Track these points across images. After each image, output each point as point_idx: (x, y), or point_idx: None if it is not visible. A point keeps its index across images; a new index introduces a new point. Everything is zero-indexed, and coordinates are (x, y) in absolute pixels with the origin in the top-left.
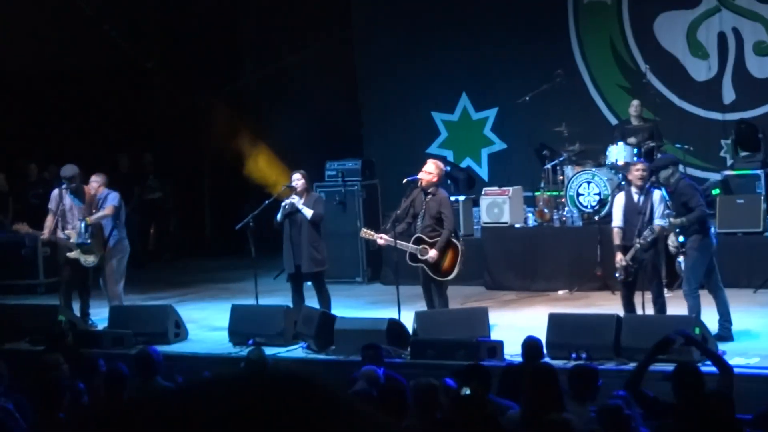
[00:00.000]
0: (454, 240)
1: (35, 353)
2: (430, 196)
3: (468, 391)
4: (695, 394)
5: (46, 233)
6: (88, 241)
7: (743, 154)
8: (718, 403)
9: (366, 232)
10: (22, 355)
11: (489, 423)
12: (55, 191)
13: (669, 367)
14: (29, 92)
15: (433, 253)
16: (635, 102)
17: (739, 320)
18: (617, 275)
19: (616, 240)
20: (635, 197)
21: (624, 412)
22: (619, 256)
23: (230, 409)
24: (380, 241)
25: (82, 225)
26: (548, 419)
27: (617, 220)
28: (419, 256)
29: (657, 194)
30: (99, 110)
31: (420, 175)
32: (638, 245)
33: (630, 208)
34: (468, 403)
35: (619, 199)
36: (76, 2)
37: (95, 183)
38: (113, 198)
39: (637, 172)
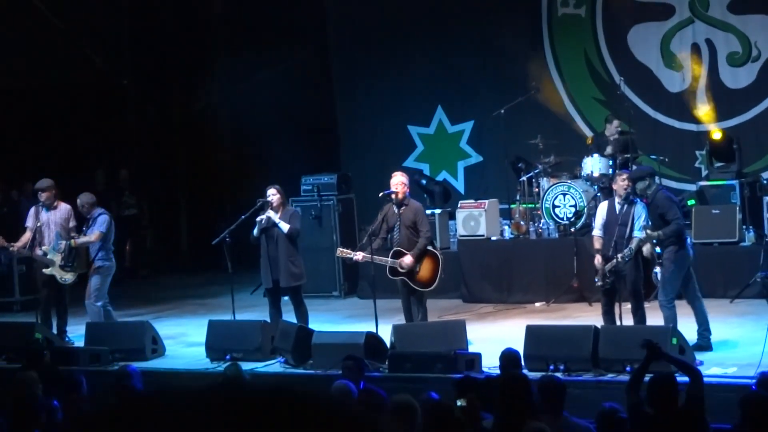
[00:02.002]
0: (433, 249)
1: (12, 371)
2: (403, 207)
3: (463, 403)
4: (669, 402)
5: (18, 246)
6: (70, 264)
7: (718, 164)
8: (689, 409)
9: (342, 251)
10: None
11: None
12: (33, 209)
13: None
14: (1, 109)
15: (407, 259)
16: (616, 122)
17: (716, 330)
18: (596, 280)
19: (596, 245)
20: (617, 207)
21: (621, 415)
22: (598, 257)
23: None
24: (358, 258)
25: (67, 246)
26: (525, 427)
27: (597, 227)
28: (399, 269)
29: (639, 207)
30: (72, 127)
31: (395, 189)
32: (618, 260)
33: (611, 218)
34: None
35: (602, 208)
36: (49, 18)
37: (86, 205)
38: (101, 223)
39: (622, 183)
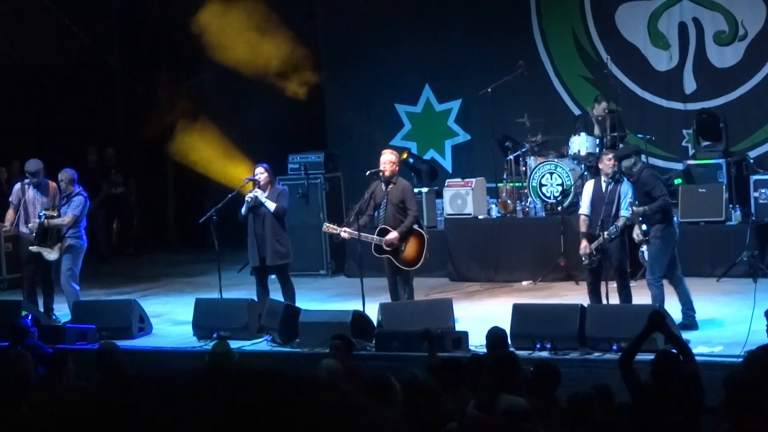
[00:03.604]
0: (418, 228)
1: None
2: (391, 185)
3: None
4: (672, 380)
5: (7, 225)
6: (43, 240)
7: (705, 143)
8: (691, 388)
9: (329, 227)
10: None
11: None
12: (17, 185)
13: (643, 356)
14: None
15: (392, 235)
16: (605, 103)
17: (702, 309)
18: (583, 260)
19: (582, 227)
20: (603, 186)
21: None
22: (584, 242)
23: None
24: (344, 235)
25: (40, 224)
26: (501, 401)
27: (584, 207)
28: (384, 247)
29: (625, 185)
30: (60, 105)
31: (383, 166)
32: (603, 238)
33: (597, 197)
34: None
35: (588, 187)
36: None
37: (63, 181)
38: (76, 206)
39: (609, 162)
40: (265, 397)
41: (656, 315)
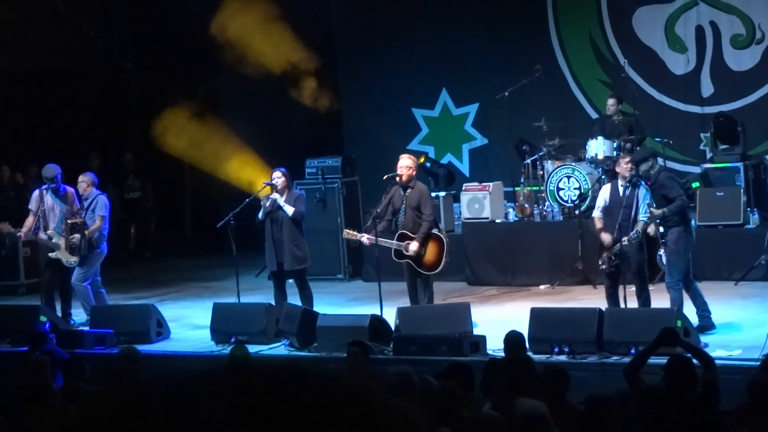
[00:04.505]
0: (437, 233)
1: (16, 354)
2: (409, 190)
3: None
4: (687, 384)
5: (24, 231)
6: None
7: (722, 147)
8: (705, 392)
9: (348, 233)
10: (3, 355)
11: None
12: (36, 192)
13: (661, 359)
14: (4, 93)
15: (413, 246)
16: (610, 101)
17: (720, 312)
18: (600, 263)
19: (598, 225)
20: (621, 190)
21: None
22: (606, 235)
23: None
24: (365, 241)
25: (78, 236)
26: (518, 404)
27: (598, 209)
28: (404, 252)
29: (643, 189)
30: (76, 110)
31: (399, 171)
32: (623, 244)
33: (614, 201)
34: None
35: (605, 191)
36: (51, 1)
37: (83, 183)
38: (101, 207)
39: (626, 165)
40: (285, 393)
41: (669, 332)
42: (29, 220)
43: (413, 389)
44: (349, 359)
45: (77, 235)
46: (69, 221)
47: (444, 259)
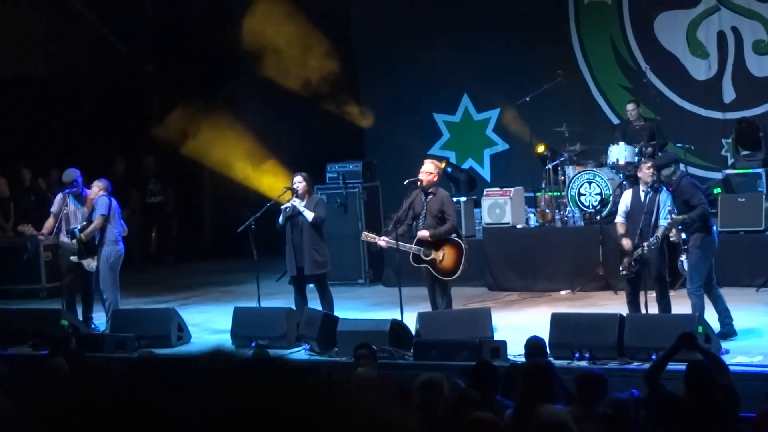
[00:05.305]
0: (457, 239)
1: (38, 358)
2: (431, 196)
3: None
4: (706, 390)
5: (44, 233)
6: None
7: (744, 152)
8: (725, 398)
9: (367, 236)
10: (25, 359)
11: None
12: (59, 195)
13: (679, 366)
14: (26, 96)
15: (424, 233)
16: (630, 105)
17: (742, 319)
18: (621, 269)
19: (620, 230)
20: (642, 195)
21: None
22: (627, 241)
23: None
24: (382, 244)
25: (77, 235)
26: (540, 412)
27: (620, 215)
28: (422, 257)
29: (664, 194)
30: (96, 114)
31: (420, 176)
32: (643, 250)
33: (636, 206)
34: (467, 403)
35: (626, 196)
36: (72, 5)
37: (95, 188)
38: (101, 207)
39: (647, 170)
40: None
41: (686, 336)
42: (50, 223)
43: (440, 395)
44: (360, 361)
45: (74, 240)
46: (71, 228)
47: (462, 266)
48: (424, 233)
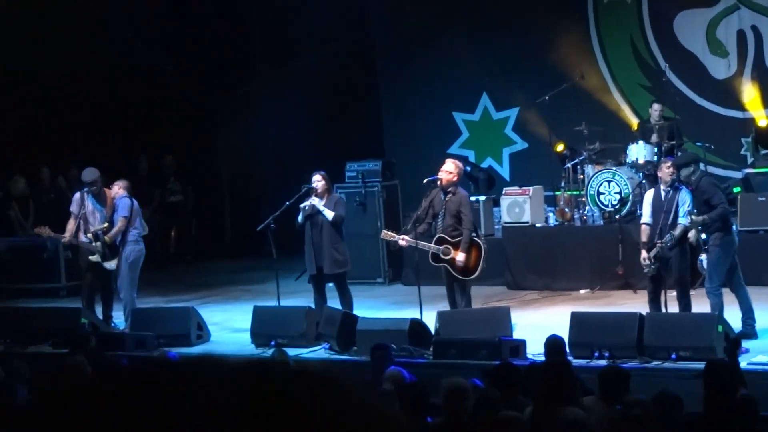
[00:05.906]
0: (476, 239)
1: (58, 356)
2: (450, 195)
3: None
4: (726, 391)
5: (67, 236)
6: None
7: (764, 152)
8: (745, 402)
9: (387, 234)
10: (45, 358)
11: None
12: (77, 195)
13: (699, 365)
14: (46, 95)
15: (460, 257)
16: (655, 105)
17: (761, 318)
18: (644, 268)
19: (643, 237)
20: (662, 194)
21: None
22: (643, 253)
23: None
24: (401, 242)
25: (98, 243)
26: (559, 414)
27: (646, 216)
28: (442, 256)
29: (683, 193)
30: (115, 112)
31: (440, 175)
32: (660, 247)
33: (657, 206)
34: (490, 404)
35: (648, 196)
36: (91, 4)
37: (115, 187)
38: (123, 208)
39: (667, 170)
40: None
41: (731, 343)
42: (71, 224)
43: (466, 399)
44: (378, 363)
45: (99, 243)
46: (93, 230)
47: (481, 266)
48: (461, 258)
